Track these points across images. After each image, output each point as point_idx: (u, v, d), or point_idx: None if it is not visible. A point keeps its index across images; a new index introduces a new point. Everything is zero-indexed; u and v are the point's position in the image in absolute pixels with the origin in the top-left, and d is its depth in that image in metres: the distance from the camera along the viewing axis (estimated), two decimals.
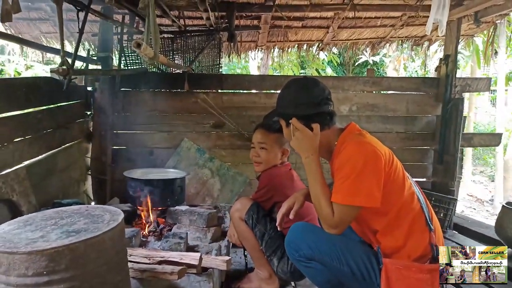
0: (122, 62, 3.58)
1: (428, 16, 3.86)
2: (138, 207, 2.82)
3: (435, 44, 4.82)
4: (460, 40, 3.87)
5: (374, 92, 4.06)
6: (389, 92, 4.14)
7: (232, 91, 4.00)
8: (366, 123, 4.02)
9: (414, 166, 4.07)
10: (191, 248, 2.39)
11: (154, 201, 2.80)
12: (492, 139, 4.12)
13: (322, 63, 11.43)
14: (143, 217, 2.78)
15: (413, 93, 4.04)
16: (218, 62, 4.06)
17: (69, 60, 2.13)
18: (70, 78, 2.14)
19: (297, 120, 1.76)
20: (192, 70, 3.85)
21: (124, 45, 3.54)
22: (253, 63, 10.61)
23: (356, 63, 10.98)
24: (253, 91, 3.97)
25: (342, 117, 3.99)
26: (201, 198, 3.77)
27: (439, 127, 3.91)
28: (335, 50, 5.03)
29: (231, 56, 4.47)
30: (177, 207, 2.82)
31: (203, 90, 3.87)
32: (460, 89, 3.94)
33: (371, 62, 10.77)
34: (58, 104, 2.98)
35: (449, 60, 3.84)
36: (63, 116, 3.06)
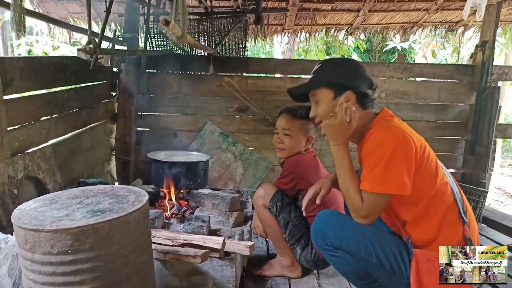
0: (148, 43, 3.55)
1: (465, 0, 3.69)
2: (161, 189, 2.82)
3: (469, 31, 4.59)
4: (498, 26, 3.67)
5: (404, 78, 3.91)
6: (420, 79, 3.98)
7: (257, 75, 3.93)
8: (395, 111, 3.81)
9: (444, 156, 3.92)
10: (213, 232, 2.37)
11: (177, 184, 2.79)
12: None
13: (348, 49, 11.17)
14: (166, 199, 2.78)
15: (446, 80, 3.87)
16: (244, 45, 3.99)
17: (96, 40, 2.10)
18: (97, 57, 2.11)
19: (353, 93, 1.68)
20: (217, 53, 3.79)
21: (150, 26, 3.50)
22: (277, 48, 10.44)
23: (384, 50, 10.67)
24: (278, 75, 3.89)
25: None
26: (223, 182, 3.75)
27: (472, 117, 3.74)
28: (362, 36, 4.88)
29: (257, 40, 4.38)
30: (200, 190, 2.80)
31: (228, 73, 3.81)
32: (497, 77, 3.75)
33: (399, 48, 10.43)
34: (84, 84, 2.98)
35: (486, 47, 3.65)
36: (89, 96, 3.06)
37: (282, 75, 3.88)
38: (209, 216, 2.44)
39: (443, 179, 1.66)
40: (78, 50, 2.13)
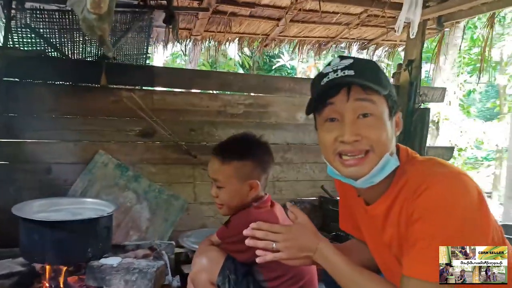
0: (9, 40, 2.44)
1: (392, 16, 3.49)
2: (38, 264, 1.79)
3: (380, 49, 4.49)
4: (423, 45, 3.53)
5: None
6: None
7: (167, 89, 3.09)
8: None
9: None
10: None
11: (65, 254, 1.81)
12: (445, 152, 3.89)
13: (235, 64, 10.80)
14: (46, 279, 1.77)
15: None
16: (145, 50, 3.11)
17: None
18: None
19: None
20: (112, 59, 2.84)
21: (12, 14, 2.40)
22: (158, 58, 9.41)
23: (274, 67, 10.59)
24: (194, 90, 3.12)
25: (299, 126, 3.37)
26: (123, 232, 2.77)
27: (401, 140, 3.52)
28: (247, 51, 4.40)
29: (167, 45, 3.51)
30: (103, 261, 1.87)
31: (128, 86, 2.90)
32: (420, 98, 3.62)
33: (289, 66, 10.45)
34: None
35: (413, 66, 3.48)
36: None
37: (198, 90, 3.12)
38: None
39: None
40: None
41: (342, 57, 1.14)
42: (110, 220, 1.98)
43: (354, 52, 4.43)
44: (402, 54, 4.39)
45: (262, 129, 3.24)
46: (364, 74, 1.08)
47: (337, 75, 1.09)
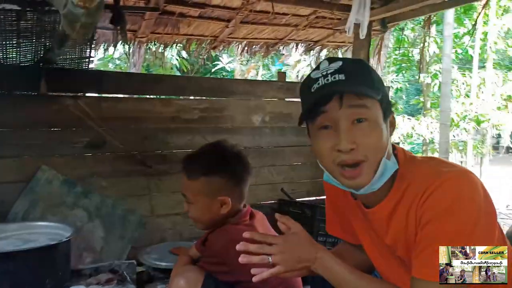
0: None
1: (339, 18, 3.55)
2: None
3: (324, 50, 4.57)
4: (370, 45, 3.63)
5: (285, 99, 3.49)
6: (298, 100, 3.63)
7: (116, 95, 2.85)
8: (280, 136, 3.42)
9: None
10: None
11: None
12: None
13: (171, 68, 10.49)
14: None
15: None
16: (88, 54, 2.84)
17: None
18: None
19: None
20: (52, 63, 2.56)
21: None
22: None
23: (213, 70, 10.43)
24: (146, 96, 2.92)
25: (255, 129, 3.30)
26: (76, 256, 2.48)
27: None
28: (184, 54, 4.28)
29: (115, 47, 3.24)
30: None
31: (71, 94, 2.63)
32: None
33: (228, 69, 10.36)
34: None
35: None
36: None
37: (149, 96, 2.92)
38: None
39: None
40: None
41: (330, 60, 1.09)
42: (69, 245, 1.75)
43: (301, 54, 4.47)
44: (345, 55, 4.53)
45: (218, 134, 3.12)
46: (356, 78, 1.04)
47: (327, 80, 1.04)
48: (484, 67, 12.39)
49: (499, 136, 14.22)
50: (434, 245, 0.99)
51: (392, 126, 1.14)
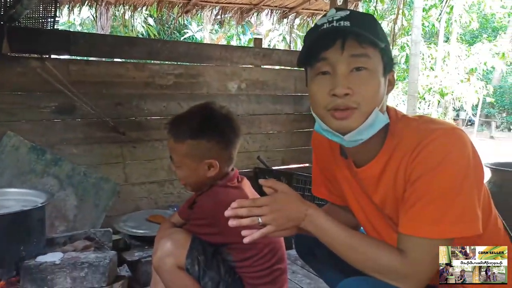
0: None
1: None
2: None
3: (299, 17, 4.50)
4: None
5: (262, 66, 3.43)
6: (276, 67, 3.59)
7: (86, 58, 2.69)
8: (256, 104, 3.38)
9: (302, 150, 3.67)
10: None
11: None
12: None
13: (137, 35, 10.07)
14: None
15: (301, 69, 3.60)
16: (53, 13, 2.66)
17: None
18: None
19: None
20: (15, 21, 2.38)
21: None
22: None
23: (182, 38, 10.09)
24: (117, 60, 2.78)
25: (231, 97, 3.24)
26: (47, 224, 2.41)
27: None
28: (151, 21, 4.11)
29: (73, 9, 3.03)
30: (41, 259, 1.59)
31: (37, 55, 2.46)
32: None
33: (198, 38, 10.06)
34: None
35: None
36: None
37: (122, 60, 2.78)
38: None
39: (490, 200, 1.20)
40: None
41: (338, 9, 1.07)
42: (43, 211, 1.68)
43: (274, 23, 4.38)
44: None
45: (193, 101, 3.03)
46: (361, 26, 1.02)
47: (332, 26, 1.01)
48: (448, 40, 12.69)
49: (460, 108, 14.77)
50: (424, 200, 0.99)
51: (391, 84, 1.13)
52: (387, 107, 1.15)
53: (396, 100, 11.29)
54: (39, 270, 1.53)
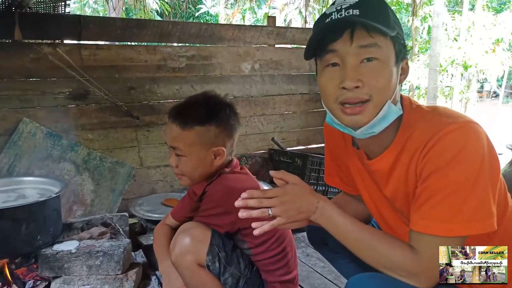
0: None
1: None
2: None
3: None
4: None
5: (275, 46, 3.36)
6: (290, 46, 3.50)
7: (97, 42, 2.68)
8: (270, 84, 3.33)
9: (318, 130, 3.62)
10: None
11: (11, 246, 1.54)
12: None
13: (151, 11, 9.98)
14: None
15: None
16: None
17: None
18: None
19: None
20: (26, 7, 2.37)
21: None
22: None
23: (197, 14, 9.95)
24: (128, 43, 2.76)
25: (245, 77, 3.19)
26: (65, 209, 2.47)
27: None
28: None
29: None
30: (57, 247, 1.63)
31: (49, 40, 2.46)
32: None
33: (212, 13, 9.91)
34: None
35: None
36: None
37: (133, 43, 2.76)
38: None
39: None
40: None
41: None
42: (59, 200, 1.71)
43: None
44: None
45: (206, 83, 3.02)
46: (371, 13, 0.96)
47: (340, 15, 0.97)
48: (473, 8, 12.14)
49: (485, 80, 14.27)
50: (436, 197, 0.96)
51: (404, 72, 1.08)
52: (401, 96, 1.11)
53: (418, 72, 10.94)
54: (56, 258, 1.57)
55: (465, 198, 0.94)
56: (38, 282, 1.60)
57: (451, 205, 0.94)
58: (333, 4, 1.02)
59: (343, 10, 0.97)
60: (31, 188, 1.82)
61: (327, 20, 0.99)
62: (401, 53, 1.02)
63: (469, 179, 0.94)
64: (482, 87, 16.66)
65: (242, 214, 1.06)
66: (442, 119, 1.01)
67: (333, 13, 0.98)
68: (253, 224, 1.07)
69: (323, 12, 1.05)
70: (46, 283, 1.59)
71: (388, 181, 1.12)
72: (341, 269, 1.51)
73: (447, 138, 0.96)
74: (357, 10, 0.96)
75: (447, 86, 11.81)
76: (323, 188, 2.97)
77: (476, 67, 10.15)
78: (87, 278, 1.57)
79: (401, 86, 1.08)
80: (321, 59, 1.02)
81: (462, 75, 10.93)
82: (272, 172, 1.14)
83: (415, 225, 1.00)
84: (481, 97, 17.56)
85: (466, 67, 10.22)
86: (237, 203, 1.06)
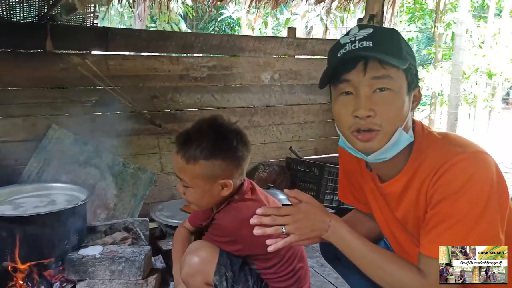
0: None
1: None
2: (10, 264, 1.61)
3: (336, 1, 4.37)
4: None
5: (295, 56, 3.41)
6: (309, 57, 3.55)
7: (123, 53, 2.79)
8: (289, 94, 3.38)
9: (335, 140, 3.63)
10: None
11: (40, 250, 1.64)
12: None
13: (176, 16, 10.17)
14: (18, 279, 1.61)
15: None
16: (92, 8, 2.76)
17: None
18: None
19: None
20: (57, 20, 2.49)
21: None
22: None
23: (219, 19, 10.09)
24: (153, 53, 2.86)
25: (264, 87, 3.26)
26: (90, 212, 2.58)
27: None
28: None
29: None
30: (83, 252, 1.72)
31: (78, 51, 2.58)
32: None
33: (234, 18, 10.03)
34: None
35: (375, 21, 3.43)
36: None
37: (157, 54, 2.86)
38: None
39: None
40: None
41: (361, 26, 1.06)
42: (85, 207, 1.81)
43: (311, 4, 4.28)
44: (358, 6, 4.34)
45: (227, 93, 3.10)
46: (383, 46, 1.01)
47: (354, 46, 1.02)
48: (499, 14, 11.87)
49: (510, 88, 13.92)
50: (444, 224, 1.00)
51: (416, 100, 1.11)
52: (414, 121, 1.15)
53: (441, 80, 10.78)
54: (81, 262, 1.66)
55: (472, 226, 0.98)
56: (64, 284, 1.69)
57: (458, 231, 0.98)
58: (347, 34, 1.07)
59: (357, 41, 1.02)
60: (61, 194, 1.92)
61: (342, 50, 1.04)
62: (413, 83, 1.06)
63: (477, 208, 0.97)
64: (507, 94, 16.25)
65: (257, 231, 1.11)
66: (452, 148, 1.05)
67: (347, 44, 1.03)
68: (268, 241, 1.12)
69: (337, 40, 1.10)
70: (72, 285, 1.68)
71: (399, 204, 1.15)
72: (353, 284, 1.54)
73: (457, 167, 1.00)
74: (370, 42, 1.00)
75: (471, 94, 11.58)
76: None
77: (501, 75, 9.92)
78: (110, 282, 1.65)
79: (413, 113, 1.11)
80: (335, 88, 1.06)
81: (486, 85, 10.72)
82: (286, 191, 1.19)
83: (424, 248, 1.04)
84: (506, 105, 17.11)
85: (490, 75, 10.01)
86: (252, 220, 1.11)
